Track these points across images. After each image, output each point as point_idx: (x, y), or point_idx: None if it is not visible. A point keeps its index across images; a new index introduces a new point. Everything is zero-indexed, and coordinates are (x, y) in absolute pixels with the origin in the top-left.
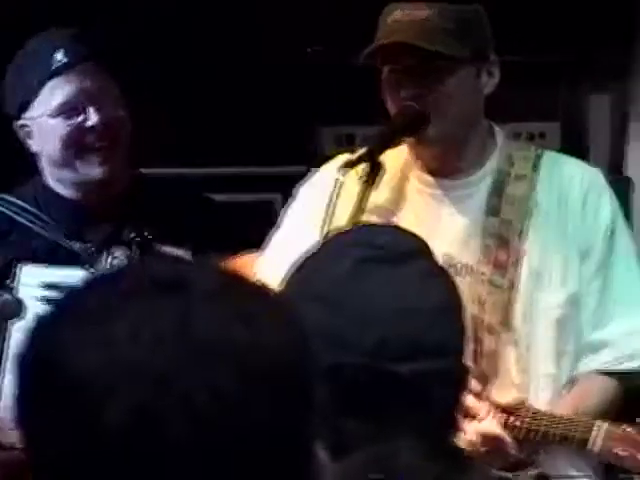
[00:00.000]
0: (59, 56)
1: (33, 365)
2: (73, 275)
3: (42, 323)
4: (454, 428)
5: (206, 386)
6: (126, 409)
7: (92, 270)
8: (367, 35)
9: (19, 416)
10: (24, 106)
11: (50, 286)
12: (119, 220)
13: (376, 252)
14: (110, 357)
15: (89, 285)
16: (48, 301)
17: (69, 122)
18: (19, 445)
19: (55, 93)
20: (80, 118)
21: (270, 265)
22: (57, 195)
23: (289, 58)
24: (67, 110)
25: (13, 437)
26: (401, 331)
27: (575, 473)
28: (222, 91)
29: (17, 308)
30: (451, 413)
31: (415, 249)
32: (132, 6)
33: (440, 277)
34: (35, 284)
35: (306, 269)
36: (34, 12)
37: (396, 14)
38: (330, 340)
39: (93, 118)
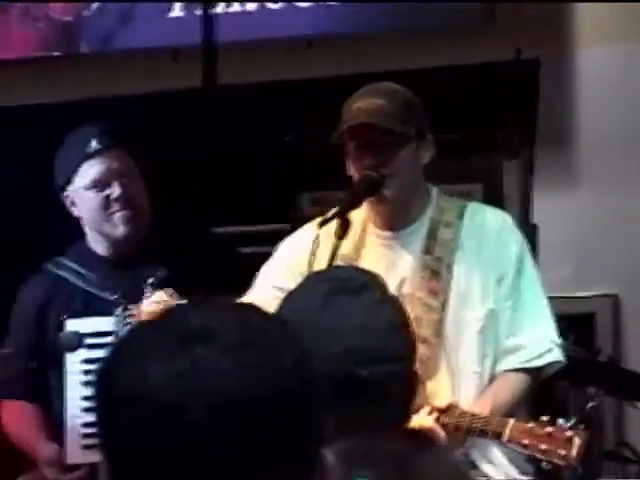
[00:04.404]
0: (93, 144)
1: (100, 383)
2: (106, 323)
3: (110, 353)
4: (407, 420)
5: (199, 418)
6: (149, 425)
7: (121, 315)
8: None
9: (100, 425)
10: (68, 181)
11: (90, 335)
12: (139, 269)
13: (340, 283)
14: (145, 385)
15: (146, 326)
16: (90, 347)
17: (99, 194)
18: (82, 465)
19: (89, 171)
20: (107, 191)
21: (260, 296)
22: (94, 254)
23: (277, 144)
24: (97, 185)
25: (79, 459)
26: (362, 343)
27: (501, 458)
28: (229, 167)
29: (77, 341)
30: (404, 408)
31: (370, 281)
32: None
33: (391, 302)
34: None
35: (289, 302)
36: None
37: (358, 104)
38: None
39: (116, 191)
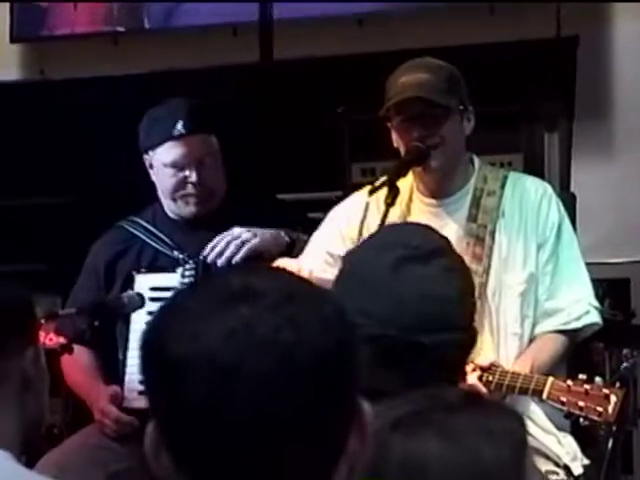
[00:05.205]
0: (179, 126)
1: (148, 348)
2: (171, 279)
3: (155, 318)
4: (462, 380)
5: (257, 375)
6: (204, 386)
7: (186, 272)
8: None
9: (146, 386)
10: (151, 149)
11: (155, 289)
12: (208, 232)
13: (411, 252)
14: (198, 347)
15: (188, 290)
16: (154, 300)
17: (177, 174)
18: (140, 409)
19: (170, 152)
20: (185, 173)
21: (312, 261)
22: (166, 215)
23: (329, 117)
24: (177, 166)
25: (136, 403)
26: (427, 312)
27: (539, 414)
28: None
29: (140, 302)
30: (460, 370)
31: (440, 248)
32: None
33: (458, 270)
34: (146, 288)
35: (355, 260)
36: None
37: (403, 79)
38: (374, 317)
39: (193, 176)
